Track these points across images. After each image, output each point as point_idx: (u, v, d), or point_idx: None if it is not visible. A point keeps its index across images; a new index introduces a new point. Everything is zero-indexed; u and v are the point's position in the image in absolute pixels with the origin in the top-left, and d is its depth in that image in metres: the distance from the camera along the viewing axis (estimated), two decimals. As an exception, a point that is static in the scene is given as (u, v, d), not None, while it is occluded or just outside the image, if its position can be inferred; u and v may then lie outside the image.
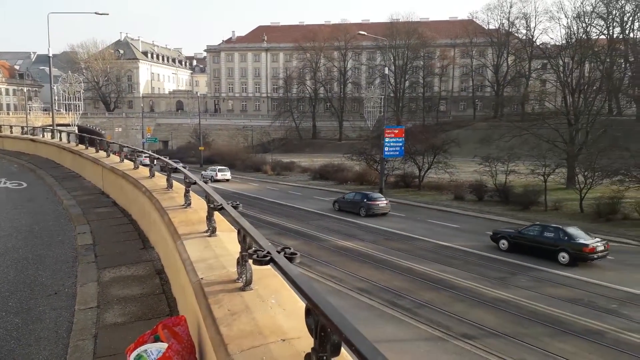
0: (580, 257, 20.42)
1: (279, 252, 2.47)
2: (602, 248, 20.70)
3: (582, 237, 21.13)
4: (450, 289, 17.82)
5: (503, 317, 15.22)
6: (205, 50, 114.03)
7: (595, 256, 20.43)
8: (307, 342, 2.25)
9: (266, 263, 2.43)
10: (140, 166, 10.23)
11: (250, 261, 2.75)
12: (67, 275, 6.61)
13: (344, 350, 1.76)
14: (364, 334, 1.49)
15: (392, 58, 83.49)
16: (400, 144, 39.57)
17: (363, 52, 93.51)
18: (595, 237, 21.68)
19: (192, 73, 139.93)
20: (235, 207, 3.96)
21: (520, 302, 16.42)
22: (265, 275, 3.27)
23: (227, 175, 50.36)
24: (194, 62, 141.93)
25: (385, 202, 32.12)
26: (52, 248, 8.00)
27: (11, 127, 30.94)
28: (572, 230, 21.74)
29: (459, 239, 25.01)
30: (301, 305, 2.78)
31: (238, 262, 3.27)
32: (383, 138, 39.12)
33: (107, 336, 4.56)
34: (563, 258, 20.66)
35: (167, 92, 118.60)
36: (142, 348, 2.89)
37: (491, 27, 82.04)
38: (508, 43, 78.58)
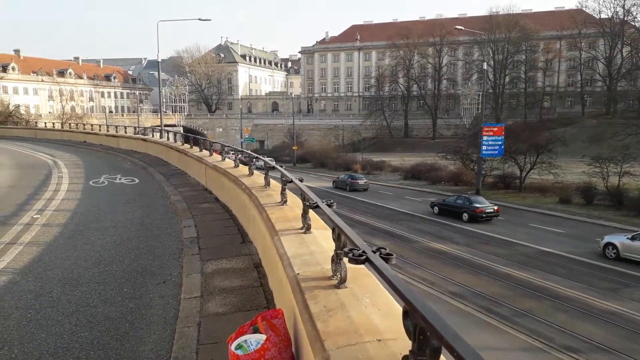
0: (474, 215, 28.85)
1: (374, 252, 2.46)
2: (491, 210, 29.40)
3: (479, 203, 29.97)
4: (553, 298, 16.69)
5: (613, 331, 13.97)
6: (299, 52, 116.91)
7: (484, 215, 28.91)
8: (403, 344, 2.22)
9: (362, 262, 2.44)
10: (240, 164, 10.73)
11: (345, 259, 2.77)
12: (173, 266, 7.12)
13: (443, 356, 1.71)
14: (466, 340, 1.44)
15: (490, 53, 79.69)
16: (500, 143, 37.63)
17: (459, 47, 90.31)
18: (491, 204, 30.11)
19: (287, 75, 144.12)
20: (329, 206, 4.01)
21: (634, 315, 14.96)
22: (359, 275, 3.27)
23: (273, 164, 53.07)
24: (289, 64, 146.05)
25: (364, 181, 43.66)
26: (160, 240, 8.65)
27: (125, 127, 33.91)
28: (474, 198, 31.27)
29: (564, 245, 23.32)
30: (396, 306, 2.75)
31: (332, 260, 3.31)
32: (481, 136, 37.48)
33: (209, 325, 4.85)
34: (464, 217, 29.33)
35: (263, 93, 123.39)
36: (242, 338, 3.03)
37: (603, 16, 75.21)
38: (623, 33, 71.61)
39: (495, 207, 29.70)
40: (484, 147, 37.30)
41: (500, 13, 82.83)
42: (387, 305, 2.82)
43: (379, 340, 2.38)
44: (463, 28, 45.59)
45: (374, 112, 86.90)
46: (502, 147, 37.89)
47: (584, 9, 78.63)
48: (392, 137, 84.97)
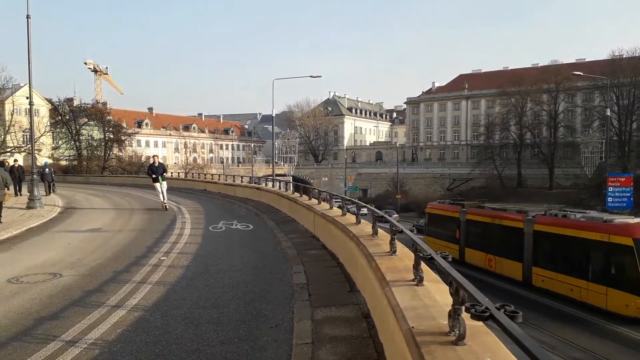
0: None
1: (498, 309, 2.40)
2: None
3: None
4: None
5: None
6: (405, 103, 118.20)
7: None
8: (532, 409, 2.10)
9: (485, 319, 2.38)
10: (347, 213, 10.93)
11: (464, 315, 2.71)
12: (285, 311, 7.32)
13: None
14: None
15: (614, 98, 73.83)
16: (628, 194, 34.34)
17: (577, 93, 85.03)
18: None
19: (391, 125, 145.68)
20: (444, 258, 3.95)
21: None
22: (477, 332, 3.16)
23: (381, 213, 58.95)
24: (394, 115, 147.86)
25: (396, 215, 55.16)
26: (272, 284, 8.98)
27: (241, 177, 36.24)
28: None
29: None
30: (521, 368, 2.61)
31: (449, 315, 3.23)
32: (605, 187, 34.53)
33: (321, 372, 4.89)
34: None
35: (368, 143, 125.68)
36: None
37: None
38: None
39: None
40: (610, 199, 34.22)
41: (624, 56, 76.95)
42: (511, 366, 2.69)
43: (505, 402, 2.27)
44: (582, 74, 42.89)
45: (484, 161, 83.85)
46: (632, 198, 34.52)
47: None
48: (503, 187, 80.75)
